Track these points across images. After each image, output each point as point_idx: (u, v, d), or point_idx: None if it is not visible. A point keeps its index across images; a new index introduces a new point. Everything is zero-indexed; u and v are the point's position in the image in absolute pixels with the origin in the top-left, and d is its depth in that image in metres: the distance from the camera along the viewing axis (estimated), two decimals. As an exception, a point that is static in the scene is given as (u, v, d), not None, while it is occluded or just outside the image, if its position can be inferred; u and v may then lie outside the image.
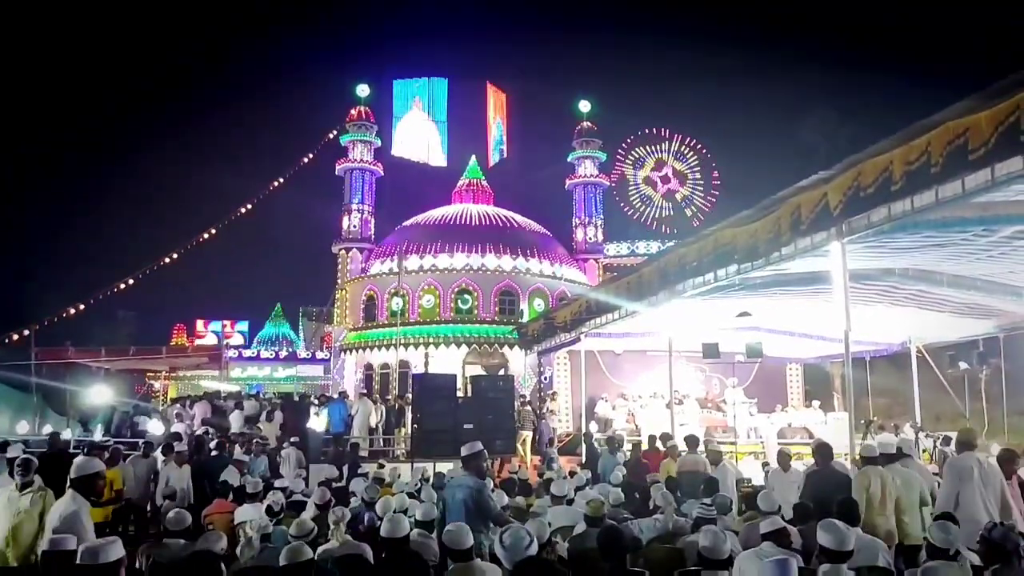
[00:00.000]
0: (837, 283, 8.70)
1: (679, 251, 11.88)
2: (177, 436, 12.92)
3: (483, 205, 37.25)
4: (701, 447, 11.44)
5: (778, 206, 9.14)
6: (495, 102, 46.63)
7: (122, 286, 36.70)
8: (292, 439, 14.60)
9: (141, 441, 13.80)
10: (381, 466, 12.26)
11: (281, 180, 42.41)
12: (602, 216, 40.57)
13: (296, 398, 22.89)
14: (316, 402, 20.61)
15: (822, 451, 8.43)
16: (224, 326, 52.89)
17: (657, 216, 48.16)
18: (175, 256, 38.57)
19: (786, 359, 21.97)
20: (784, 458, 10.11)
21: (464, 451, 6.93)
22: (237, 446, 13.73)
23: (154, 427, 17.80)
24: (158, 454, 11.98)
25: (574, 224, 40.09)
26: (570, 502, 8.01)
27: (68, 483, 5.52)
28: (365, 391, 28.70)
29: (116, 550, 4.34)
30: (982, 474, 6.85)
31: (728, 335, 16.31)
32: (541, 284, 33.13)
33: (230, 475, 10.26)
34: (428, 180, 42.41)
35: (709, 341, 15.82)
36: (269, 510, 7.41)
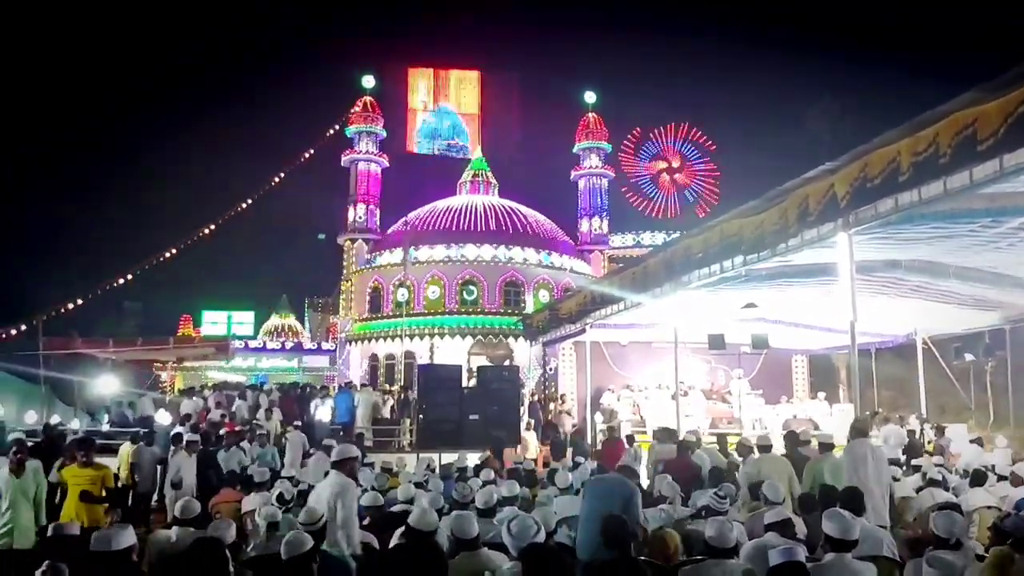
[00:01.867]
0: (843, 274, 8.68)
1: (685, 242, 11.85)
2: (191, 427, 13.01)
3: (488, 197, 37.25)
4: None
5: (785, 197, 9.12)
6: (440, 88, 46.66)
7: (128, 277, 36.79)
8: (295, 423, 14.66)
9: (142, 431, 13.86)
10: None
11: (287, 172, 42.37)
12: (607, 207, 40.50)
13: (300, 389, 22.90)
14: (319, 392, 20.65)
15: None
16: (230, 317, 53.05)
17: (662, 207, 48.02)
18: (181, 247, 38.64)
19: (792, 350, 21.91)
20: (744, 448, 10.52)
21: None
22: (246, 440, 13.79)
23: (162, 416, 17.88)
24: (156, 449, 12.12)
25: (579, 215, 40.01)
26: (577, 492, 8.03)
27: (331, 464, 6.46)
28: (367, 382, 28.77)
29: (127, 537, 4.41)
30: (874, 458, 7.68)
31: (734, 326, 16.27)
32: (546, 275, 33.14)
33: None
34: (434, 171, 42.36)
35: (715, 332, 15.81)
36: (280, 498, 7.45)
